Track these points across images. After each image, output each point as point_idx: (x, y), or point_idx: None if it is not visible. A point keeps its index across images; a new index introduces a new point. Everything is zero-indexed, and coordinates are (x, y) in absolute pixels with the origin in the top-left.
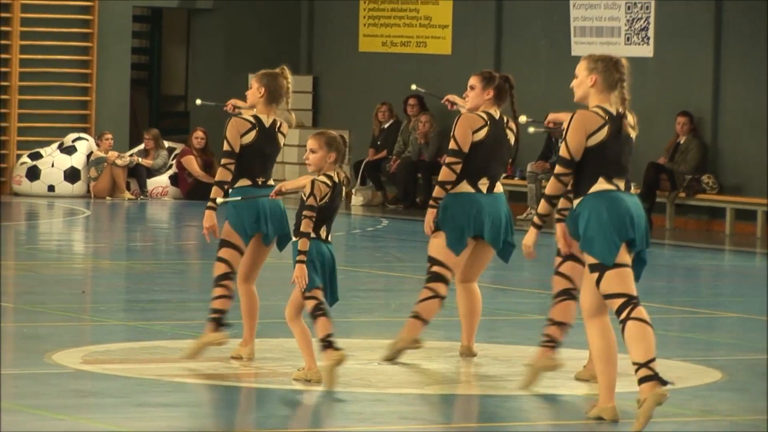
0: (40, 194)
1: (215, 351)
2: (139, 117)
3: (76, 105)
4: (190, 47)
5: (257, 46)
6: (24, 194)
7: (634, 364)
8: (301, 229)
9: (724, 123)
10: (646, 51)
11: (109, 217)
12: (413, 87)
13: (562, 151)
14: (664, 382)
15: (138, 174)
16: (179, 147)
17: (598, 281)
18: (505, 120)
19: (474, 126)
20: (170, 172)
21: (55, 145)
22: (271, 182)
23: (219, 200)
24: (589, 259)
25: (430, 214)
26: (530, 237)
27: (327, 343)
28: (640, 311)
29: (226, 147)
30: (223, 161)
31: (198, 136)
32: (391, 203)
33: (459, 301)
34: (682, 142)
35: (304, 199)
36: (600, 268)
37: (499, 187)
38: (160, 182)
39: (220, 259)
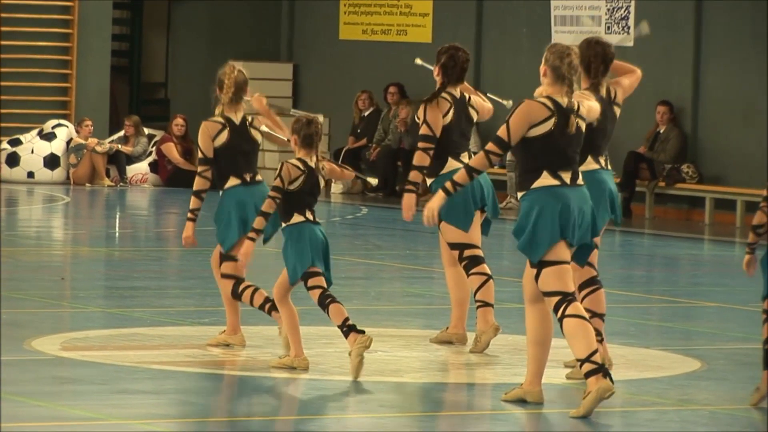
0: (19, 180)
1: (195, 339)
2: (119, 104)
3: (56, 92)
4: (171, 34)
5: (238, 33)
6: (3, 180)
7: (578, 360)
8: (262, 207)
9: (704, 112)
10: (627, 40)
11: (89, 203)
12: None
13: (501, 132)
14: (607, 374)
15: (118, 161)
16: (159, 134)
17: (536, 276)
18: (467, 97)
19: (442, 110)
20: (150, 159)
21: (34, 132)
22: (259, 177)
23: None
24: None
25: (409, 198)
26: (436, 201)
27: (348, 328)
28: (576, 307)
29: (199, 154)
30: (198, 169)
31: (178, 123)
32: (371, 191)
33: (452, 287)
34: (662, 131)
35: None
36: (538, 265)
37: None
38: (139, 169)
39: (225, 276)
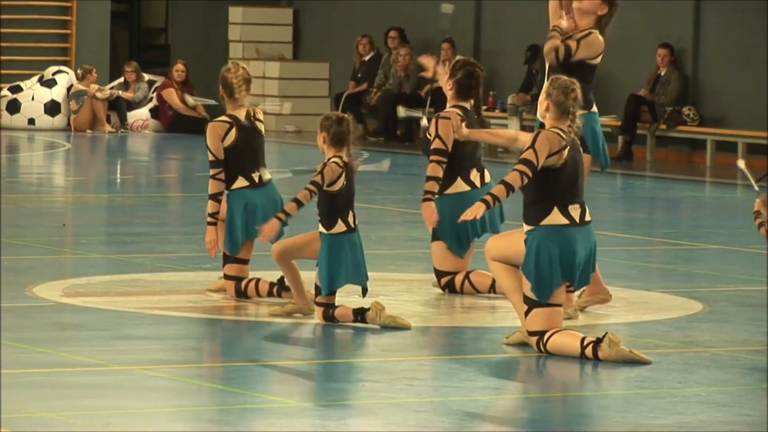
0: (20, 127)
1: (197, 284)
2: (119, 50)
3: (56, 38)
4: None
5: None
6: (4, 127)
7: (582, 356)
8: (298, 196)
9: (704, 55)
10: None
11: (90, 150)
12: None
13: (529, 155)
14: (600, 339)
15: (118, 107)
16: (160, 80)
17: (526, 313)
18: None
19: (454, 125)
20: (151, 105)
21: (35, 78)
22: (267, 176)
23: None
24: (526, 289)
25: (428, 206)
26: (479, 210)
27: (361, 314)
28: (552, 339)
29: (210, 157)
30: (211, 173)
31: (179, 69)
32: (372, 136)
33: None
34: (662, 74)
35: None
36: (531, 303)
37: (488, 176)
38: (140, 115)
39: (229, 278)
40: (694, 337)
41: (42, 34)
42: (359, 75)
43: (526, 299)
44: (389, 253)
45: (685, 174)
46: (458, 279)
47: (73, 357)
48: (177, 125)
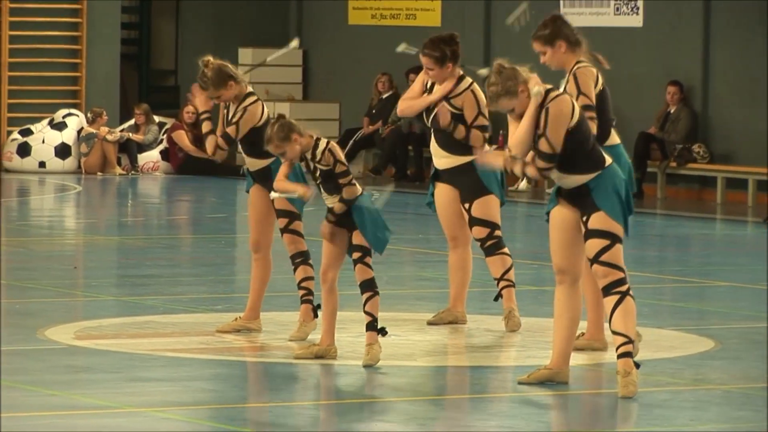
0: (31, 170)
1: (208, 326)
2: (129, 92)
3: (66, 81)
4: (180, 21)
5: (246, 19)
6: (15, 170)
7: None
8: (348, 197)
9: (714, 91)
10: (635, 21)
11: (101, 192)
12: (401, 48)
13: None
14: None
15: (129, 149)
16: (170, 121)
17: (607, 248)
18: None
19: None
20: (161, 146)
21: (45, 121)
22: None
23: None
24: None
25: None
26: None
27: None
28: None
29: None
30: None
31: (189, 111)
32: (374, 172)
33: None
34: (672, 111)
35: (332, 167)
36: (616, 238)
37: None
38: (150, 157)
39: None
40: (706, 374)
41: (52, 77)
42: (374, 111)
43: (614, 237)
44: (401, 293)
45: (695, 211)
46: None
47: (85, 399)
48: (187, 167)
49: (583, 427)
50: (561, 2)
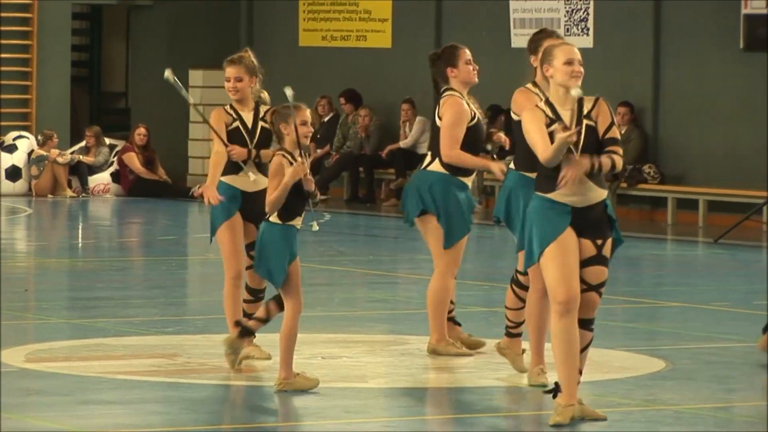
0: None
1: (159, 348)
2: (79, 114)
3: (16, 103)
4: (131, 44)
5: (197, 42)
6: None
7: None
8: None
9: (664, 112)
10: (586, 42)
11: (51, 215)
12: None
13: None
14: None
15: (79, 171)
16: (120, 144)
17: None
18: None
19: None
20: (112, 169)
21: None
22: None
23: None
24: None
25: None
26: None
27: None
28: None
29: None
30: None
31: (140, 133)
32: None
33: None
34: (623, 132)
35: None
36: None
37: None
38: (101, 179)
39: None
40: (657, 395)
41: (2, 99)
42: (318, 135)
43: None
44: (352, 314)
45: (646, 232)
46: None
47: (37, 422)
48: (138, 189)
49: None
50: (511, 23)
